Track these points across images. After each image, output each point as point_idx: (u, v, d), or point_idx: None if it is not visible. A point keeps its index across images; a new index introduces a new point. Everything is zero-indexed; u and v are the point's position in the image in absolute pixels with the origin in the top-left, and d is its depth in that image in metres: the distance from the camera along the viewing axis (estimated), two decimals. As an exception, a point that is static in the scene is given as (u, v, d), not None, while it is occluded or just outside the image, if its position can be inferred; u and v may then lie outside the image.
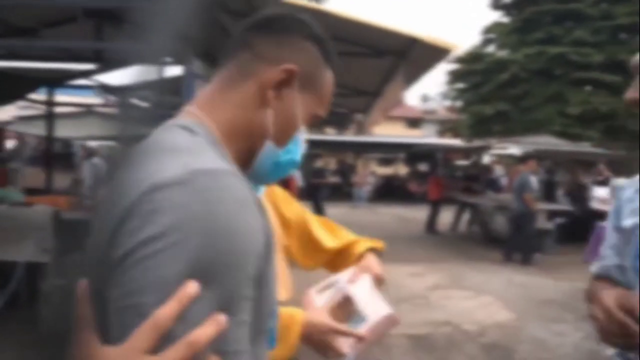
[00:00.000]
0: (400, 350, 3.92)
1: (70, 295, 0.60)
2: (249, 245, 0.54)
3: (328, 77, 0.74)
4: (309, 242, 1.37)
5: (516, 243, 7.46)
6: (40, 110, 8.25)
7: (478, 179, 10.38)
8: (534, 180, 7.43)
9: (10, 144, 13.03)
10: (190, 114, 0.68)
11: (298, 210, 1.38)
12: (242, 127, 0.67)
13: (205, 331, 0.49)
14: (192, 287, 0.49)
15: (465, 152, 14.06)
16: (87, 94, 8.52)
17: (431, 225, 10.35)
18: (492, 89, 18.05)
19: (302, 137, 0.74)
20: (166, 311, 0.48)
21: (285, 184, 4.93)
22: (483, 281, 6.23)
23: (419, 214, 11.77)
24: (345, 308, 1.12)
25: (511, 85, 17.60)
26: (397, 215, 13.89)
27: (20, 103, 9.29)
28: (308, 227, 1.37)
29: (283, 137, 0.71)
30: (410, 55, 3.60)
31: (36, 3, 3.81)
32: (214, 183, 0.54)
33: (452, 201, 10.50)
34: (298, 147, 0.74)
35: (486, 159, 10.90)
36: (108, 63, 5.11)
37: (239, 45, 0.71)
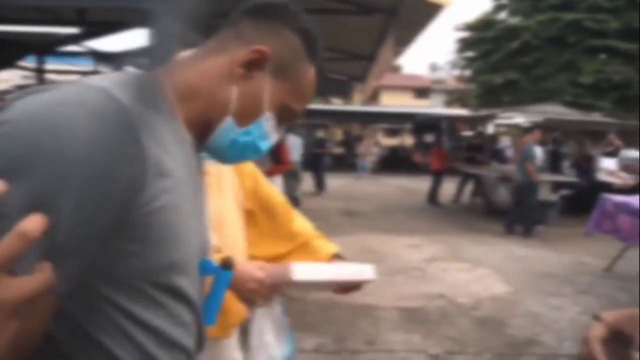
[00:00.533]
0: (390, 323, 3.84)
1: None
2: (84, 155, 0.49)
3: (309, 73, 0.73)
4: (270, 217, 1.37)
5: (518, 215, 7.30)
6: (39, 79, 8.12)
7: (482, 149, 10.12)
8: (538, 151, 7.20)
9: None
10: (151, 73, 0.69)
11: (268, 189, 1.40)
12: (201, 94, 0.68)
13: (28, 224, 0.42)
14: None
15: (471, 122, 13.76)
16: (83, 62, 8.37)
17: (433, 196, 10.21)
18: (502, 57, 17.49)
19: (269, 124, 0.72)
20: None
21: (276, 153, 4.80)
22: (482, 254, 6.12)
23: (422, 185, 11.62)
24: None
25: (522, 54, 17.04)
26: (400, 186, 13.75)
27: (23, 73, 9.14)
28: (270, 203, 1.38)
29: (245, 117, 0.70)
30: (400, 12, 3.35)
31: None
32: (73, 90, 0.53)
33: (455, 172, 10.31)
34: (261, 132, 0.72)
35: (491, 128, 10.60)
36: (93, 27, 4.92)
37: (227, 24, 0.73)
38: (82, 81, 0.56)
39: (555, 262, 5.80)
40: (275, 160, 4.80)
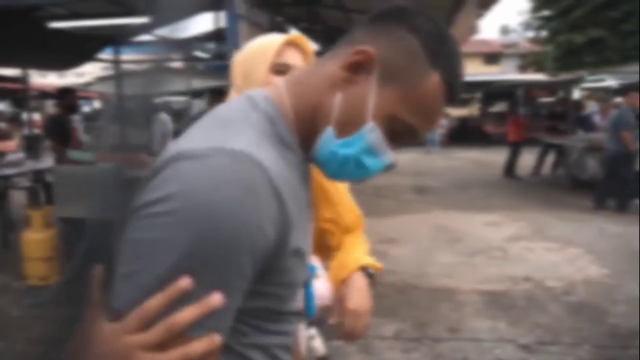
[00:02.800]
0: (473, 308, 3.65)
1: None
2: (242, 237, 0.53)
3: (430, 80, 0.64)
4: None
5: (610, 188, 6.66)
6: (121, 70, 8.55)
7: (565, 117, 9.30)
8: (632, 117, 6.48)
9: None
10: (275, 86, 0.69)
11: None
12: (312, 106, 0.65)
13: (187, 314, 0.51)
14: (184, 282, 0.51)
15: (550, 88, 12.68)
16: (157, 50, 8.63)
17: (510, 169, 9.63)
18: (585, 13, 15.90)
19: (373, 135, 0.63)
20: (153, 304, 0.51)
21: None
22: (570, 232, 5.66)
23: (496, 157, 11.00)
24: None
25: (609, 7, 15.37)
26: (472, 159, 13.14)
27: (104, 65, 9.71)
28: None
29: (345, 126, 0.64)
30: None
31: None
32: (228, 164, 0.54)
33: (534, 142, 9.60)
34: (363, 145, 0.64)
35: (576, 94, 9.67)
36: (162, 15, 4.99)
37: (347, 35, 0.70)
38: (226, 144, 0.56)
39: (657, 240, 5.24)
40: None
